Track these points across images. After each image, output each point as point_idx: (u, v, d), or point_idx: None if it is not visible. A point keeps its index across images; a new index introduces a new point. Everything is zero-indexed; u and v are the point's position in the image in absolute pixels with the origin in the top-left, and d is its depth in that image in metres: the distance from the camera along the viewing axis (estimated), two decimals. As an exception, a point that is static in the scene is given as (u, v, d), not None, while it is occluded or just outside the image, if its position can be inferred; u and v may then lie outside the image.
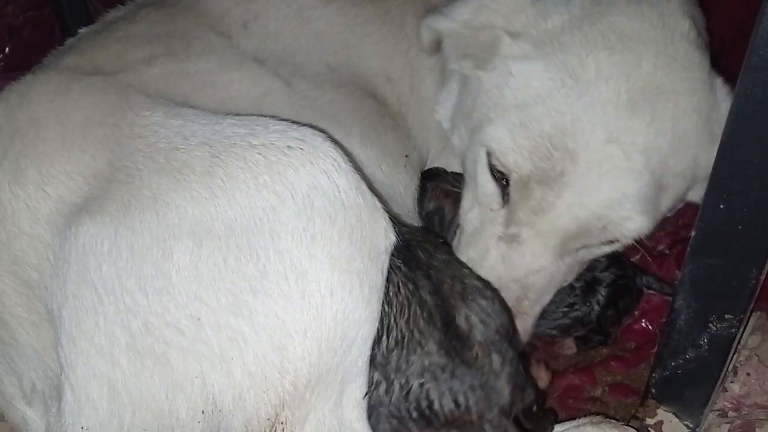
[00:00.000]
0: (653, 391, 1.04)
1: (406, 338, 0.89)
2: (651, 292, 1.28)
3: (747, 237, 0.82)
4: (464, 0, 1.09)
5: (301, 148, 0.81)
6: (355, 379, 0.83)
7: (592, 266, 1.20)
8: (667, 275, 1.33)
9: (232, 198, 0.78)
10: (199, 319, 0.77)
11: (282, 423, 0.80)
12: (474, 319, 0.94)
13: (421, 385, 0.88)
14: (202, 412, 0.78)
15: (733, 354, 1.03)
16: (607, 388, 1.22)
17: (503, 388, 0.91)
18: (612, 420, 1.01)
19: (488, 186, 1.04)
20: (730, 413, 1.05)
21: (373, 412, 0.90)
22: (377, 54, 1.23)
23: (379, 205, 0.85)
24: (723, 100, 1.00)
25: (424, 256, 0.98)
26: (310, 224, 0.78)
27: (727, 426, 1.04)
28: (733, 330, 0.91)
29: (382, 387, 0.89)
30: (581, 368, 1.25)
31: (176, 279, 0.77)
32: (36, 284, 0.86)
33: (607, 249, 1.04)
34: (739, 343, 1.04)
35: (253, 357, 0.77)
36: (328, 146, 0.83)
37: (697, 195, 1.03)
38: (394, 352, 0.89)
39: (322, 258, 0.78)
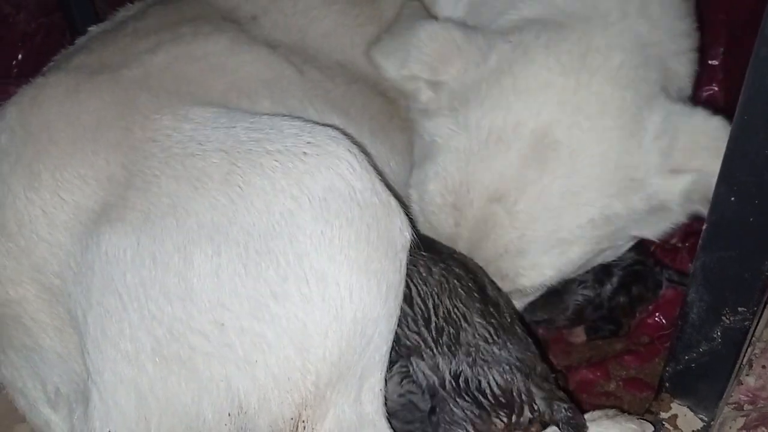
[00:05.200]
0: (667, 385, 1.04)
1: (452, 313, 0.92)
2: (671, 285, 1.27)
3: (759, 228, 0.81)
4: (396, 42, 1.08)
5: (317, 154, 0.82)
6: (373, 373, 0.85)
7: None
8: (680, 268, 1.33)
9: (250, 204, 0.80)
10: (222, 324, 0.78)
11: (304, 421, 0.82)
12: (495, 289, 0.98)
13: (471, 364, 0.90)
14: (229, 414, 0.80)
15: (748, 347, 1.03)
16: (620, 383, 1.22)
17: (536, 352, 0.94)
18: (627, 414, 1.01)
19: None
20: (746, 406, 1.05)
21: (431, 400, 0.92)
22: None
23: (394, 203, 0.86)
24: (654, 140, 0.96)
25: (438, 245, 1.01)
26: (328, 227, 0.80)
27: (743, 419, 1.03)
28: (746, 323, 0.90)
29: (434, 379, 0.91)
30: (595, 363, 1.25)
31: (198, 286, 0.78)
32: (58, 290, 0.87)
33: (531, 290, 1.07)
34: (753, 335, 1.03)
35: (276, 359, 0.79)
36: (342, 149, 0.84)
37: (640, 232, 1.03)
38: (444, 331, 0.91)
39: (340, 260, 0.80)
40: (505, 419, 0.90)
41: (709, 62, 1.53)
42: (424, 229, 1.06)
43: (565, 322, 1.25)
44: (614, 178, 0.96)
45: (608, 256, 1.10)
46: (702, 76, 1.51)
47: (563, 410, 0.89)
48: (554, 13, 1.04)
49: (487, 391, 0.90)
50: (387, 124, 1.20)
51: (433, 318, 0.92)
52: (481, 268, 1.01)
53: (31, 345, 0.91)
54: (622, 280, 1.21)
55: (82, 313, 0.83)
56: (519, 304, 1.13)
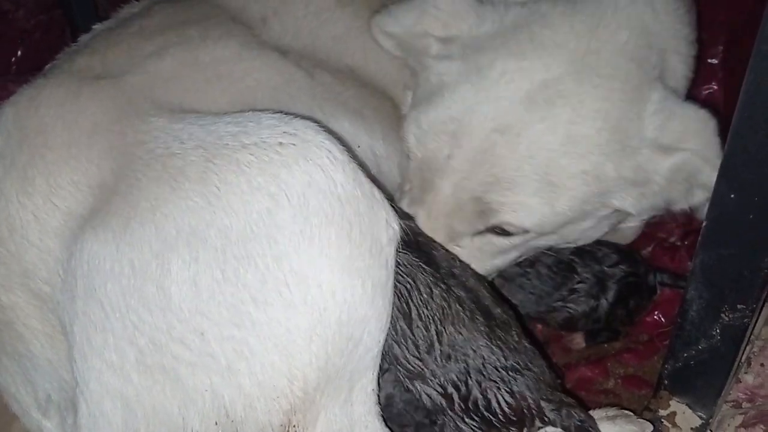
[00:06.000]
0: (666, 382, 1.04)
1: (456, 340, 0.90)
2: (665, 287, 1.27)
3: (759, 226, 0.82)
4: (409, 5, 1.14)
5: (294, 143, 0.79)
6: (364, 374, 0.83)
7: (600, 259, 1.21)
8: (679, 267, 1.33)
9: (226, 205, 0.77)
10: (203, 333, 0.76)
11: (294, 426, 0.80)
12: (497, 304, 0.97)
13: (479, 384, 0.90)
14: (216, 423, 0.78)
15: (746, 344, 1.03)
16: (619, 380, 1.22)
17: (542, 363, 0.94)
18: (626, 411, 1.01)
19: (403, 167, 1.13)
20: (744, 404, 1.05)
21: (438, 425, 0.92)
22: (393, 60, 1.22)
23: (378, 195, 0.83)
24: (652, 114, 1.01)
25: (437, 253, 0.99)
26: (307, 226, 0.76)
27: (741, 417, 1.03)
28: (745, 320, 0.91)
29: (442, 401, 0.91)
30: (593, 361, 1.25)
31: (176, 294, 0.76)
32: (48, 297, 0.86)
33: (505, 241, 1.07)
34: (752, 333, 1.04)
35: (261, 366, 0.77)
36: (321, 138, 0.80)
37: (621, 202, 1.05)
38: (451, 358, 0.90)
39: (321, 260, 0.77)
40: None
41: (709, 61, 1.53)
42: (415, 173, 1.07)
43: (555, 326, 1.26)
44: (611, 138, 1.00)
45: (588, 234, 1.12)
46: (701, 74, 1.51)
47: (575, 416, 0.89)
48: None
49: (497, 410, 0.89)
50: (397, 125, 1.18)
51: (437, 345, 0.90)
52: (481, 281, 1.00)
53: (23, 351, 0.90)
54: (619, 294, 1.22)
55: (69, 321, 0.81)
56: (495, 262, 1.12)
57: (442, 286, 0.93)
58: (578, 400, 1.15)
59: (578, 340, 1.28)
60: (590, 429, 0.89)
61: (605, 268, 1.22)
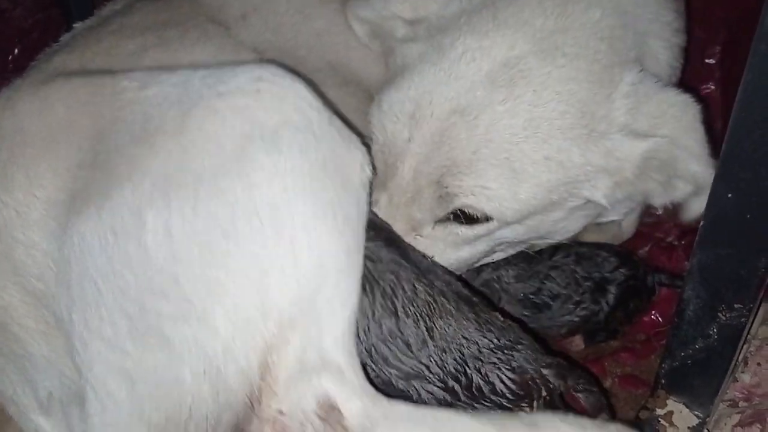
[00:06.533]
0: (663, 381, 1.04)
1: (448, 333, 0.90)
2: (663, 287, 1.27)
3: (756, 226, 0.82)
4: None
5: (271, 90, 0.80)
6: (335, 312, 0.80)
7: (600, 265, 1.20)
8: (676, 266, 1.33)
9: (202, 148, 0.77)
10: (177, 279, 0.75)
11: (270, 369, 0.78)
12: (476, 292, 0.97)
13: (479, 370, 0.89)
14: (204, 372, 0.77)
15: (743, 344, 1.03)
16: (616, 380, 1.22)
17: (529, 336, 0.93)
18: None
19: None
20: (741, 403, 1.05)
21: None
22: (377, 58, 1.21)
23: (355, 138, 0.84)
24: (623, 96, 0.96)
25: (409, 248, 0.99)
26: (280, 158, 0.76)
27: (738, 416, 1.04)
28: (742, 320, 0.91)
29: (446, 395, 0.90)
30: (591, 360, 1.25)
31: (152, 244, 0.75)
32: (42, 294, 0.86)
33: (468, 231, 1.02)
34: (749, 333, 1.04)
35: (233, 304, 0.75)
36: (299, 84, 0.81)
37: (591, 192, 0.99)
38: (446, 351, 0.90)
39: (292, 192, 0.76)
40: (528, 408, 0.90)
41: (707, 60, 1.54)
42: (377, 157, 1.03)
43: (559, 337, 1.26)
44: (576, 122, 0.95)
45: (561, 227, 1.07)
46: (699, 74, 1.52)
47: (575, 377, 0.89)
48: None
49: (503, 390, 0.89)
50: None
51: (430, 341, 0.89)
52: (452, 273, 0.99)
53: (20, 352, 0.90)
54: (619, 298, 1.22)
55: (67, 312, 0.81)
56: (460, 254, 1.07)
57: (424, 281, 0.93)
58: (575, 399, 1.16)
59: (577, 342, 1.28)
60: (589, 388, 0.90)
61: (606, 274, 1.21)
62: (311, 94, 0.81)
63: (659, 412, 1.04)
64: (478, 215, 0.99)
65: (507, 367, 0.89)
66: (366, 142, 0.91)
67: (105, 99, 0.88)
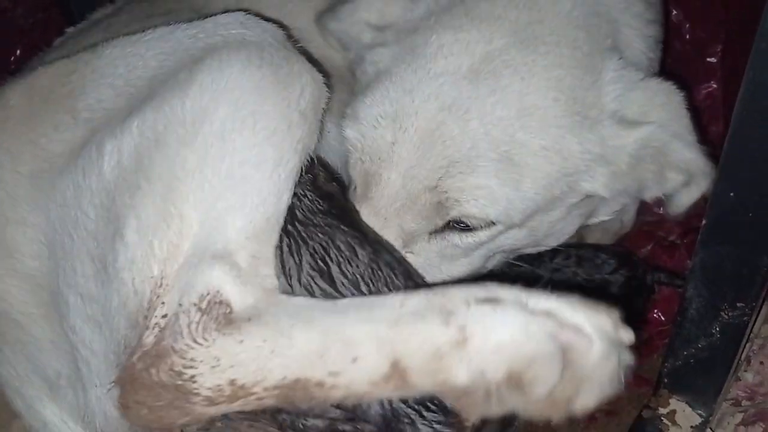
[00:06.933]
0: (666, 380, 1.04)
1: None
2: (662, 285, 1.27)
3: (758, 224, 0.82)
4: (346, 2, 1.10)
5: (239, 29, 0.86)
6: (237, 215, 0.78)
7: (600, 267, 1.19)
8: (678, 265, 1.33)
9: (160, 82, 0.83)
10: (115, 197, 0.78)
11: (163, 278, 0.76)
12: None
13: None
14: (126, 292, 0.76)
15: (746, 343, 1.03)
16: (619, 379, 1.22)
17: None
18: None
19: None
20: (744, 402, 1.05)
21: None
22: None
23: (302, 65, 0.85)
24: (609, 83, 0.94)
25: (364, 225, 0.95)
26: (219, 76, 0.80)
27: (741, 415, 1.04)
28: (745, 318, 0.91)
29: None
30: (593, 359, 1.25)
31: (107, 170, 0.79)
32: (38, 273, 0.87)
33: (469, 239, 0.96)
34: (751, 331, 1.04)
35: (144, 213, 0.76)
36: (274, 30, 0.88)
37: (592, 184, 0.96)
38: None
39: (221, 100, 0.78)
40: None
41: (708, 59, 1.53)
42: (356, 168, 0.98)
43: None
44: (569, 108, 0.92)
45: (558, 228, 1.03)
46: (701, 73, 1.51)
47: None
48: None
49: None
50: None
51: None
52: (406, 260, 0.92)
53: (25, 338, 0.91)
54: (620, 299, 1.21)
55: (56, 281, 0.84)
56: (458, 268, 1.02)
57: (368, 248, 0.87)
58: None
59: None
60: None
61: (606, 276, 1.21)
62: (278, 34, 0.87)
63: (662, 411, 1.04)
64: (482, 224, 0.94)
65: None
66: (324, 70, 0.91)
67: (79, 66, 0.91)
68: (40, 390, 0.92)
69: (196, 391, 0.70)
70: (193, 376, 0.70)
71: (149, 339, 0.73)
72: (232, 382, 0.70)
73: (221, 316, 0.72)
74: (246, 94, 0.79)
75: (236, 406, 0.71)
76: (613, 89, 0.94)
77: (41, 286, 0.87)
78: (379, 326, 0.69)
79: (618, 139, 0.94)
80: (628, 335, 0.70)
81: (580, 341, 0.66)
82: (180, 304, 0.73)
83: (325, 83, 0.88)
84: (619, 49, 1.00)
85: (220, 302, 0.73)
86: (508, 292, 0.69)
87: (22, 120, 0.91)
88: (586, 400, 0.67)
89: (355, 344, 0.68)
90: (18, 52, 1.67)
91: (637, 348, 1.28)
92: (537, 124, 0.91)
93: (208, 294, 0.73)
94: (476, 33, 0.94)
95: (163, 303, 0.75)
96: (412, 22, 1.01)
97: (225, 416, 0.81)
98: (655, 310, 1.29)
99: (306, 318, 0.71)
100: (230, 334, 0.71)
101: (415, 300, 0.71)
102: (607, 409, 1.18)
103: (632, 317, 1.23)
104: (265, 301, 0.74)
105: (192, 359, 0.70)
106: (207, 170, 0.77)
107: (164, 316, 0.74)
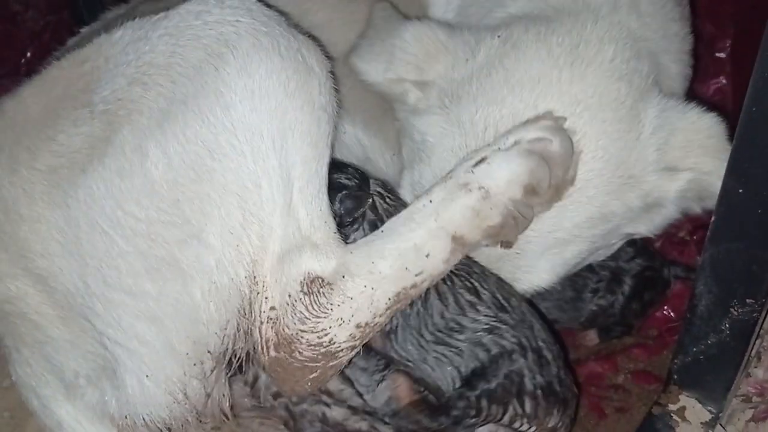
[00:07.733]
0: (675, 377, 1.04)
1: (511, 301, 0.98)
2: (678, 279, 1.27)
3: (767, 220, 0.81)
4: (377, 47, 1.05)
5: (249, 19, 0.87)
6: (302, 210, 0.89)
7: (616, 255, 1.19)
8: (688, 261, 1.33)
9: (185, 78, 0.85)
10: (177, 200, 0.83)
11: (256, 276, 0.87)
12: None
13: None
14: (209, 291, 0.85)
15: (756, 339, 1.03)
16: (629, 375, 1.22)
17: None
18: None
19: None
20: (754, 398, 1.05)
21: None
22: None
23: (317, 59, 0.90)
24: (651, 134, 0.94)
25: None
26: (250, 81, 0.84)
27: (751, 411, 1.03)
28: (755, 314, 0.91)
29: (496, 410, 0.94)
30: (603, 356, 1.26)
31: (156, 173, 0.83)
32: (47, 272, 0.88)
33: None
34: (761, 327, 1.03)
35: (220, 219, 0.84)
36: (277, 17, 0.89)
37: (635, 230, 1.02)
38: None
39: (261, 110, 0.84)
40: None
41: (717, 55, 1.53)
42: None
43: (578, 327, 1.26)
44: (614, 174, 0.94)
45: (600, 255, 1.08)
46: (710, 68, 1.51)
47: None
48: (542, 8, 1.02)
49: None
50: (381, 117, 1.18)
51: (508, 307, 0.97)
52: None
53: (43, 338, 0.92)
54: (635, 289, 1.21)
55: (80, 279, 0.85)
56: None
57: (492, 276, 1.00)
58: (588, 395, 1.17)
59: (591, 336, 1.27)
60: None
61: (621, 264, 1.21)
62: (284, 25, 0.89)
63: (672, 407, 1.04)
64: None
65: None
66: (328, 55, 0.94)
67: (94, 59, 0.93)
68: (56, 390, 0.93)
69: (337, 348, 0.89)
70: (331, 340, 0.88)
71: (269, 333, 0.88)
72: (357, 326, 0.88)
73: (323, 287, 0.87)
74: (281, 101, 0.85)
75: (368, 337, 0.91)
76: (654, 141, 0.95)
77: (56, 286, 0.88)
78: (428, 224, 0.89)
79: (661, 191, 0.97)
80: (561, 118, 0.92)
81: (545, 144, 0.89)
82: (289, 295, 0.87)
83: (331, 72, 0.93)
84: (658, 82, 1.00)
85: (314, 279, 0.87)
86: (486, 149, 0.91)
87: (40, 117, 0.91)
88: (572, 170, 0.91)
89: (422, 246, 0.88)
90: (29, 54, 1.69)
91: (646, 345, 1.29)
92: (584, 199, 0.94)
93: (304, 279, 0.87)
94: (519, 102, 0.94)
95: (266, 298, 0.87)
96: (454, 84, 0.99)
97: (235, 416, 0.98)
98: (665, 307, 1.29)
99: (377, 252, 0.89)
100: (338, 295, 0.87)
101: (435, 193, 0.90)
102: (617, 406, 1.19)
103: (644, 309, 1.24)
104: (342, 258, 0.89)
105: (323, 329, 0.87)
106: (270, 179, 0.85)
107: (273, 308, 0.87)
